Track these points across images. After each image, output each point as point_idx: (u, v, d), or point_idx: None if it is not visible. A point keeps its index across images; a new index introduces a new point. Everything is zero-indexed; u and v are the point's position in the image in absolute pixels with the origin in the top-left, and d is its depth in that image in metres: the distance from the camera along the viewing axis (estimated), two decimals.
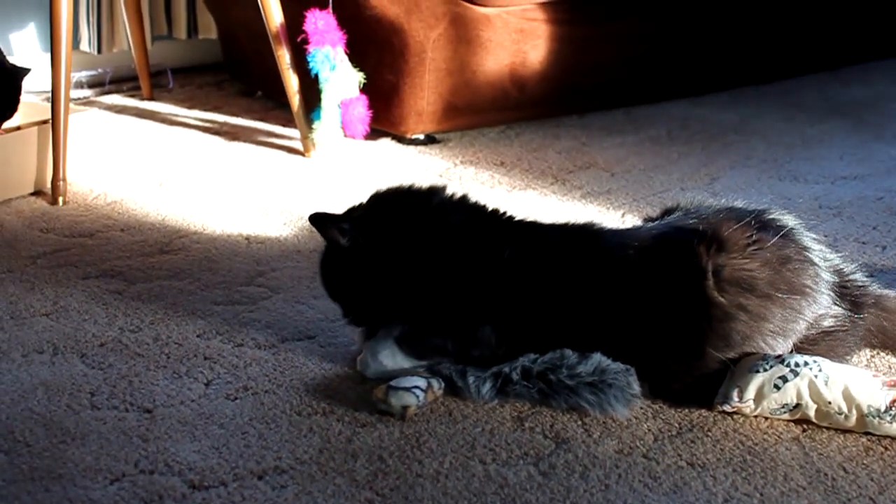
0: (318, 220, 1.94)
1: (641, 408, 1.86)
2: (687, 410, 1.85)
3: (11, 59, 3.03)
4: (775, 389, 1.78)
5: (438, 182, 2.07)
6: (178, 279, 2.40)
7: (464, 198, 2.00)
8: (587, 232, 1.99)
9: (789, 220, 1.97)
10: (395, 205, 1.99)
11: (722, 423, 1.82)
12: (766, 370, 1.80)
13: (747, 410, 1.82)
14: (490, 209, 2.00)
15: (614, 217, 2.74)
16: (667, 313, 1.85)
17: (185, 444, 1.76)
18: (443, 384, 1.89)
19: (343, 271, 1.98)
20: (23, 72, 2.96)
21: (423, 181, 2.06)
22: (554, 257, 1.92)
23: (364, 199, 2.03)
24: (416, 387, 1.85)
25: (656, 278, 1.88)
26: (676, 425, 1.82)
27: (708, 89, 3.86)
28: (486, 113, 3.45)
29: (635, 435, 1.79)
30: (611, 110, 3.67)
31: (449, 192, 2.00)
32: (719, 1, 3.76)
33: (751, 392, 1.79)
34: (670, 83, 3.79)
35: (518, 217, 2.01)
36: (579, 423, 1.82)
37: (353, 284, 1.97)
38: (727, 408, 1.82)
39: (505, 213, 2.01)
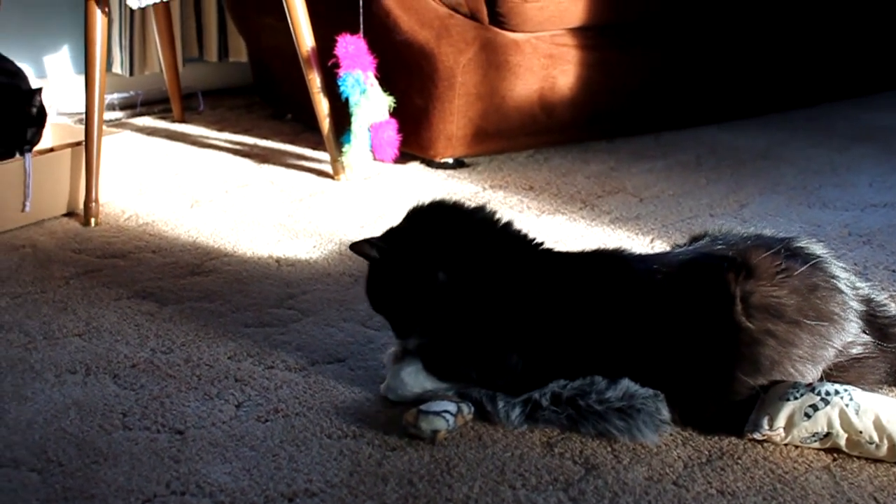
0: (353, 245, 1.96)
1: (671, 434, 1.86)
2: (717, 438, 1.85)
3: (43, 83, 3.04)
4: (806, 418, 1.78)
5: (484, 204, 2.06)
6: (209, 301, 2.42)
7: (504, 224, 2.01)
8: (616, 259, 2.00)
9: (818, 249, 1.97)
10: (433, 219, 1.99)
11: (752, 451, 1.82)
12: (796, 398, 1.79)
13: (777, 439, 1.81)
14: (523, 235, 2.01)
15: (643, 242, 2.74)
16: (696, 339, 1.85)
17: (217, 466, 1.77)
18: (472, 408, 1.90)
19: (378, 282, 1.99)
20: (36, 92, 2.96)
21: (469, 200, 2.06)
22: (584, 285, 1.93)
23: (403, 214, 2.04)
24: (446, 411, 1.85)
25: (685, 304, 1.88)
26: (706, 452, 1.81)
27: (737, 115, 3.86)
28: (515, 137, 3.46)
29: (665, 462, 1.79)
30: (640, 135, 3.67)
31: (493, 214, 2.00)
32: (749, 27, 3.77)
33: (781, 420, 1.79)
34: (699, 109, 3.79)
35: (548, 244, 2.02)
36: (609, 449, 1.82)
37: (388, 295, 1.98)
38: (757, 436, 1.82)
39: (535, 239, 2.01)
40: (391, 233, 2.00)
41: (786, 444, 1.82)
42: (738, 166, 3.37)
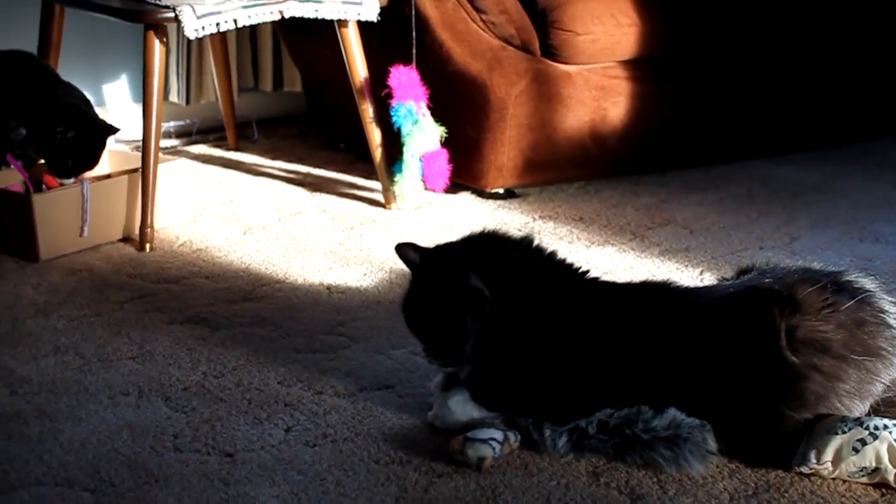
0: (398, 246, 1.98)
1: (717, 466, 1.86)
2: (764, 470, 1.85)
3: (103, 112, 3.11)
4: (854, 452, 1.77)
5: (531, 234, 2.07)
6: (260, 326, 2.45)
7: (552, 254, 2.02)
8: (663, 291, 2.00)
9: (867, 283, 1.96)
10: (484, 244, 2.01)
11: (799, 484, 1.81)
12: (844, 432, 1.78)
13: (825, 472, 1.81)
14: (569, 265, 2.02)
15: (692, 275, 2.74)
16: (741, 372, 1.85)
17: (265, 489, 1.79)
18: (519, 436, 1.91)
19: (422, 301, 1.98)
20: (112, 130, 3.04)
21: (519, 230, 2.07)
22: (631, 316, 1.93)
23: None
24: (493, 439, 1.86)
25: (731, 337, 1.88)
26: (753, 485, 1.81)
27: (790, 149, 3.84)
28: (565, 169, 3.47)
29: (711, 493, 1.79)
30: (690, 168, 3.66)
31: (539, 245, 2.02)
32: (804, 60, 3.76)
33: (829, 454, 1.78)
34: (752, 142, 3.78)
35: (595, 275, 2.03)
36: (655, 479, 1.82)
37: (429, 314, 1.97)
38: (805, 469, 1.81)
39: (581, 269, 2.02)
40: (439, 247, 2.03)
41: (833, 479, 1.81)
42: (790, 199, 3.36)
